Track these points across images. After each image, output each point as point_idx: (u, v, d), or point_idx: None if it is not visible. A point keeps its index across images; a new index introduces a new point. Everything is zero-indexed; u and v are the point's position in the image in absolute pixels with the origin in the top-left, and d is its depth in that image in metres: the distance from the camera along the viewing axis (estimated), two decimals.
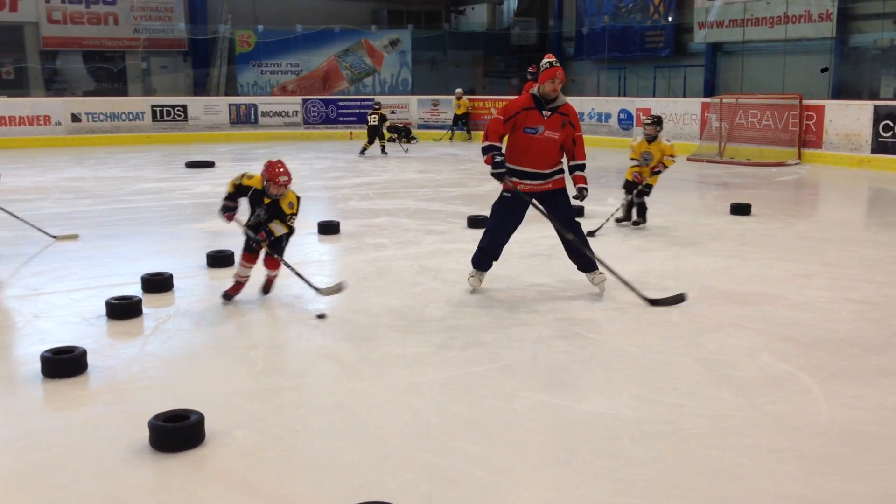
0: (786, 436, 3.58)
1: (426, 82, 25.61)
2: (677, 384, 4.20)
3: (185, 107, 21.16)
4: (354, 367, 4.56)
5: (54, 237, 7.79)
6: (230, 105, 21.74)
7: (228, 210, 5.44)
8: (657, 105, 18.88)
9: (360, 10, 28.00)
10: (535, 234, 7.55)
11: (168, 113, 20.83)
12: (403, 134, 19.18)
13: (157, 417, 3.47)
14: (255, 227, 5.52)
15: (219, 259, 6.84)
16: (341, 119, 22.55)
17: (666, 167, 8.42)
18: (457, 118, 21.00)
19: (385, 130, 17.05)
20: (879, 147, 14.28)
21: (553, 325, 5.22)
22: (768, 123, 16.03)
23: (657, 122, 8.49)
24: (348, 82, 25.51)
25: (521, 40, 27.61)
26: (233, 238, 7.91)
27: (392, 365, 4.52)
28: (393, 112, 21.03)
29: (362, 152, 16.82)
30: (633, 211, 8.59)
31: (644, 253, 7.41)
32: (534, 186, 5.81)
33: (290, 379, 4.40)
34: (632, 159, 8.52)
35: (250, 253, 5.59)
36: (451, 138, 20.95)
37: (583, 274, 5.98)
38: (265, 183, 5.35)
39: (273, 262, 5.70)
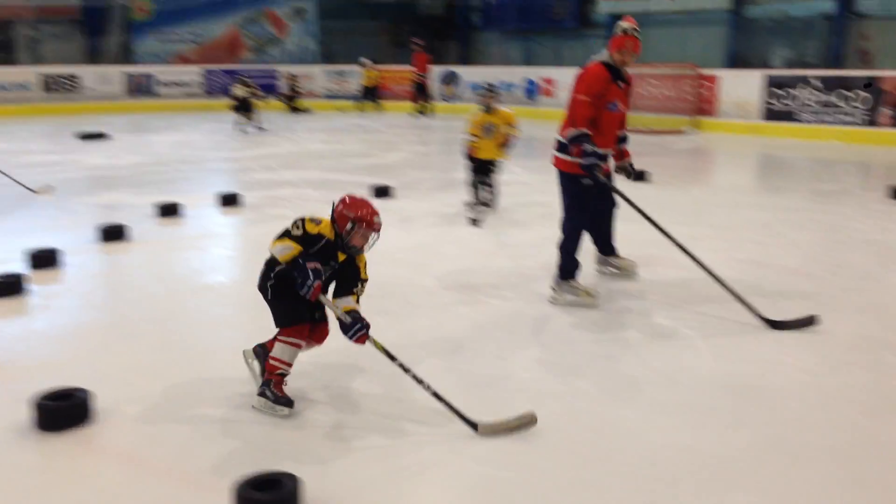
0: (673, 390, 3.72)
1: (333, 52, 25.24)
2: (576, 346, 4.31)
3: (77, 76, 20.30)
4: (252, 339, 4.49)
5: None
6: (126, 74, 20.96)
7: (318, 276, 3.38)
8: (562, 74, 19.11)
9: None
10: (440, 202, 7.56)
11: (59, 83, 19.95)
12: (287, 101, 18.90)
13: (41, 396, 3.36)
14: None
15: (111, 233, 6.62)
16: None
17: (515, 138, 7.73)
18: (366, 90, 20.79)
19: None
20: (769, 114, 14.83)
21: (455, 293, 5.25)
22: (666, 93, 16.43)
23: (492, 90, 7.80)
24: (251, 52, 24.92)
25: (429, 10, 27.43)
26: (126, 211, 7.70)
27: None
28: (295, 83, 20.69)
29: (245, 127, 15.89)
30: (481, 192, 7.79)
31: (547, 220, 7.51)
32: (607, 169, 5.20)
33: (183, 352, 4.31)
34: (471, 135, 7.69)
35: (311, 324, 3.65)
36: (362, 110, 20.74)
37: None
38: (347, 229, 3.48)
39: (324, 332, 3.77)
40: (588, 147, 4.72)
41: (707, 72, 16.08)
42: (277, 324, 3.58)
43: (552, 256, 5.21)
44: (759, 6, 18.97)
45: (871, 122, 13.45)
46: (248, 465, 2.93)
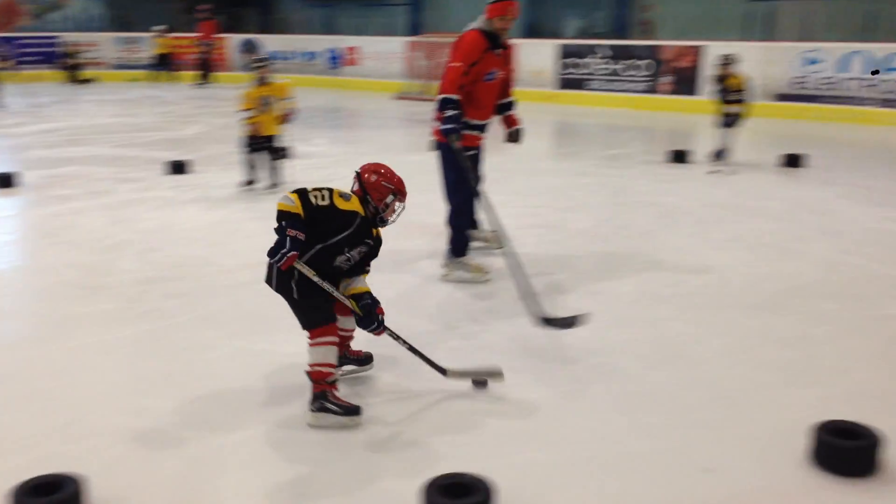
0: (474, 356, 3.84)
1: (123, 19, 23.73)
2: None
3: None
4: (35, 330, 4.21)
5: None
6: None
7: (296, 247, 3.04)
8: (366, 43, 19.06)
9: None
10: (240, 177, 7.36)
11: None
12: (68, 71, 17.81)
13: None
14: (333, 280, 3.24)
15: None
16: (23, 59, 20.32)
17: (294, 111, 7.33)
18: (160, 58, 19.75)
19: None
20: (563, 83, 15.54)
21: (256, 271, 5.14)
22: None
23: (263, 60, 7.44)
24: (31, 18, 22.96)
25: None
26: None
27: (78, 324, 4.23)
28: (76, 51, 19.34)
29: None
30: (273, 173, 7.39)
31: None
32: (477, 140, 4.95)
33: None
34: (246, 110, 7.22)
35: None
36: (156, 80, 19.70)
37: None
38: (387, 201, 3.26)
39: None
40: (450, 112, 4.54)
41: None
42: (307, 326, 3.19)
43: None
44: None
45: (653, 90, 14.41)
46: (28, 469, 2.75)
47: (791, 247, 5.62)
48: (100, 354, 3.86)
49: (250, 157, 7.36)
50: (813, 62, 12.50)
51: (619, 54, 14.95)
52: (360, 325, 3.23)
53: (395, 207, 3.24)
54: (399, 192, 3.23)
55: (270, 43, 20.03)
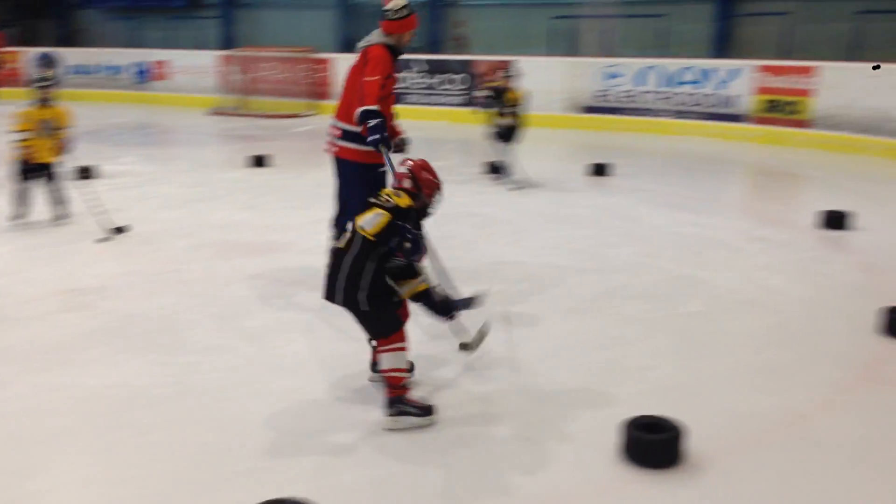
0: (292, 376, 3.78)
1: None
2: (194, 343, 4.18)
3: None
4: None
5: None
6: None
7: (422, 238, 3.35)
8: (175, 57, 18.37)
9: None
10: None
11: None
12: None
13: None
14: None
15: None
16: None
17: (70, 140, 6.48)
18: None
19: None
20: None
21: (55, 300, 4.83)
22: (285, 76, 16.56)
23: (47, 80, 6.52)
24: None
25: None
26: None
27: None
28: None
29: None
30: (57, 204, 6.57)
31: (166, 212, 7.20)
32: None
33: None
34: (20, 132, 6.35)
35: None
36: None
37: None
38: (436, 196, 3.51)
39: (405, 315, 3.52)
40: (374, 121, 4.43)
41: (322, 55, 16.49)
42: (378, 335, 3.28)
43: (174, 252, 5.00)
44: None
45: (469, 103, 14.80)
46: None
47: (601, 252, 5.93)
48: None
49: (21, 187, 6.45)
50: (614, 76, 13.28)
51: (434, 69, 15.25)
52: (438, 316, 3.58)
53: (438, 200, 3.52)
54: (441, 185, 3.51)
55: (71, 56, 18.90)
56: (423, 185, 3.43)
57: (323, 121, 14.80)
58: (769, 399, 3.57)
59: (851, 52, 13.28)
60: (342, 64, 16.04)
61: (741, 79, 11.96)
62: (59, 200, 6.56)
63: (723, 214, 7.22)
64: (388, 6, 4.66)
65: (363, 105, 4.51)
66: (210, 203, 7.59)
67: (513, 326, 4.24)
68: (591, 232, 6.50)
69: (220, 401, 3.52)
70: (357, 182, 4.80)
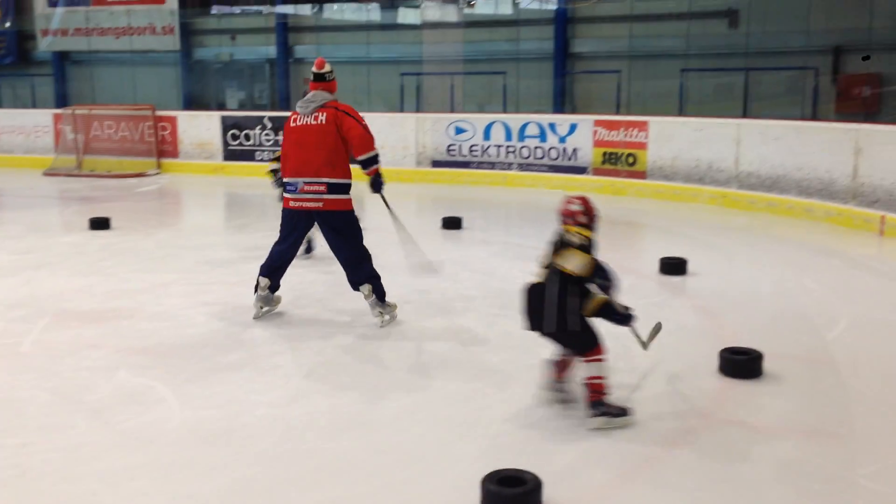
0: (142, 450, 3.58)
1: None
2: (26, 421, 3.89)
3: None
4: None
5: None
6: None
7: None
8: (4, 116, 17.39)
9: None
10: None
11: None
12: None
13: None
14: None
15: None
16: None
17: None
18: None
19: None
20: (229, 154, 15.37)
21: None
22: (126, 134, 15.98)
23: None
24: None
25: None
26: None
27: None
28: None
29: None
30: None
31: None
32: None
33: None
34: None
35: None
36: None
37: None
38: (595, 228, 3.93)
39: None
40: (378, 165, 5.38)
41: (165, 113, 16.05)
42: (582, 350, 3.80)
43: (4, 323, 4.64)
44: (208, 48, 19.59)
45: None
46: None
47: (456, 305, 5.99)
48: None
49: None
50: (461, 131, 13.62)
51: (283, 125, 15.16)
52: (619, 324, 3.96)
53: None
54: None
55: None
56: (594, 218, 3.87)
57: (168, 179, 14.46)
58: (619, 445, 3.67)
59: (678, 106, 14.27)
60: (185, 122, 15.73)
61: (581, 132, 12.54)
62: None
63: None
64: (325, 69, 5.33)
65: (368, 151, 5.27)
66: (46, 269, 7.15)
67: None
68: (445, 284, 6.56)
69: (58, 482, 3.28)
70: (351, 230, 5.37)
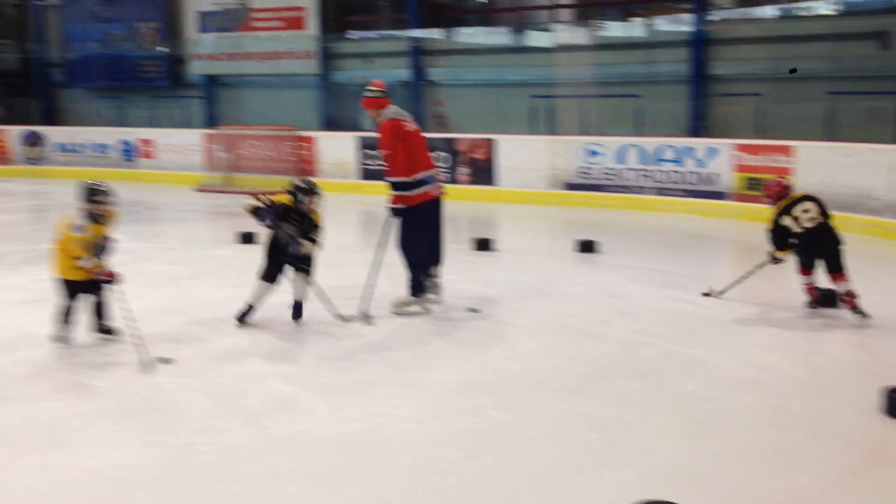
0: (293, 457, 3.74)
1: None
2: (188, 422, 4.14)
3: None
4: None
5: None
6: None
7: None
8: (160, 135, 18.56)
9: None
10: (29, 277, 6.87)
11: None
12: None
13: None
14: None
15: None
16: None
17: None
18: None
19: None
20: (366, 174, 15.84)
21: (51, 378, 4.77)
22: (269, 153, 16.73)
23: (102, 196, 5.37)
24: None
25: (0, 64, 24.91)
26: None
27: None
28: None
29: None
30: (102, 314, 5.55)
31: (154, 289, 7.17)
32: None
33: None
34: (77, 259, 5.20)
35: None
36: None
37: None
38: None
39: None
40: None
41: (305, 133, 16.71)
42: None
43: (165, 329, 4.97)
44: (345, 72, 20.25)
45: (453, 181, 15.00)
46: None
47: (592, 329, 5.95)
48: None
49: (70, 305, 5.43)
50: (594, 153, 13.53)
51: None
52: None
53: None
54: None
55: (56, 135, 19.04)
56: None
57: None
58: (775, 482, 3.56)
59: (823, 131, 13.68)
60: (324, 142, 16.33)
61: (720, 157, 12.23)
62: (103, 309, 5.56)
63: None
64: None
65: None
66: (198, 280, 7.57)
67: None
68: (581, 309, 6.53)
69: (218, 482, 3.47)
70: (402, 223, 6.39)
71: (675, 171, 12.68)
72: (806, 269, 6.30)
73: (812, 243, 6.16)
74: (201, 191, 15.93)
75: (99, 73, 22.64)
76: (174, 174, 17.70)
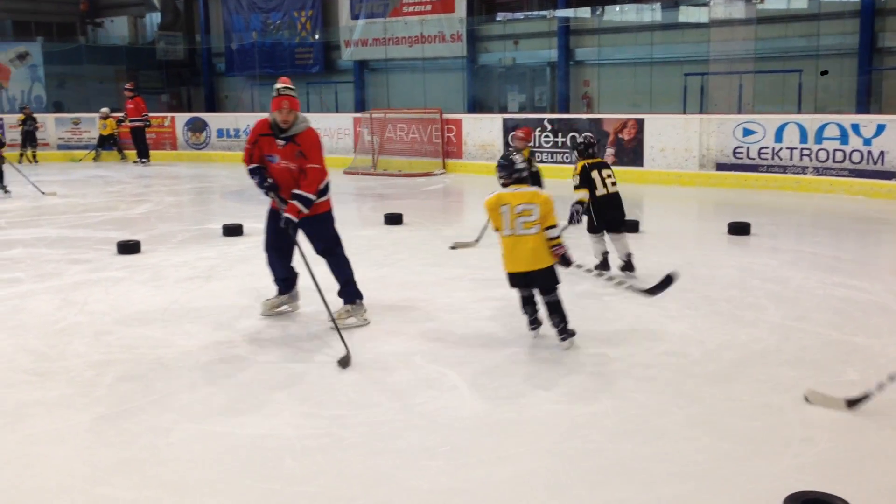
0: (437, 433, 3.81)
1: (65, 99, 23.69)
2: (338, 396, 4.28)
3: None
4: None
5: None
6: None
7: None
8: (314, 119, 19.20)
9: None
10: (193, 255, 7.29)
11: None
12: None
13: None
14: None
15: None
16: None
17: None
18: (102, 138, 19.65)
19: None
20: None
21: (211, 351, 5.06)
22: (415, 136, 17.01)
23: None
24: None
25: (168, 55, 26.56)
26: None
27: (29, 413, 4.09)
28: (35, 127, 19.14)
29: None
30: None
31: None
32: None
33: None
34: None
35: None
36: (95, 158, 19.58)
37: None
38: None
39: None
40: (257, 178, 5.51)
41: (450, 116, 16.87)
42: None
43: (319, 306, 5.14)
44: (492, 54, 20.27)
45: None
46: None
47: (745, 315, 5.71)
48: (53, 443, 3.73)
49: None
50: (749, 133, 12.95)
51: (562, 127, 15.30)
52: None
53: None
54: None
55: (215, 121, 20.10)
56: None
57: (453, 179, 15.17)
58: None
59: None
60: (469, 124, 16.43)
61: (890, 134, 11.41)
62: None
63: (877, 277, 6.81)
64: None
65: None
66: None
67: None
68: (732, 293, 6.28)
69: (366, 455, 3.58)
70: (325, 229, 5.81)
71: (839, 150, 11.93)
72: None
73: None
74: (350, 173, 16.40)
75: (257, 61, 23.70)
76: (325, 157, 18.31)
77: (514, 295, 6.12)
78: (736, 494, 3.20)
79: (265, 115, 5.49)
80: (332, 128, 18.40)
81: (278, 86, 5.30)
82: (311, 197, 5.41)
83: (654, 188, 13.26)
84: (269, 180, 5.42)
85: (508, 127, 15.81)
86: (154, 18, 27.65)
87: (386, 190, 13.87)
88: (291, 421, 3.96)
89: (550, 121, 15.45)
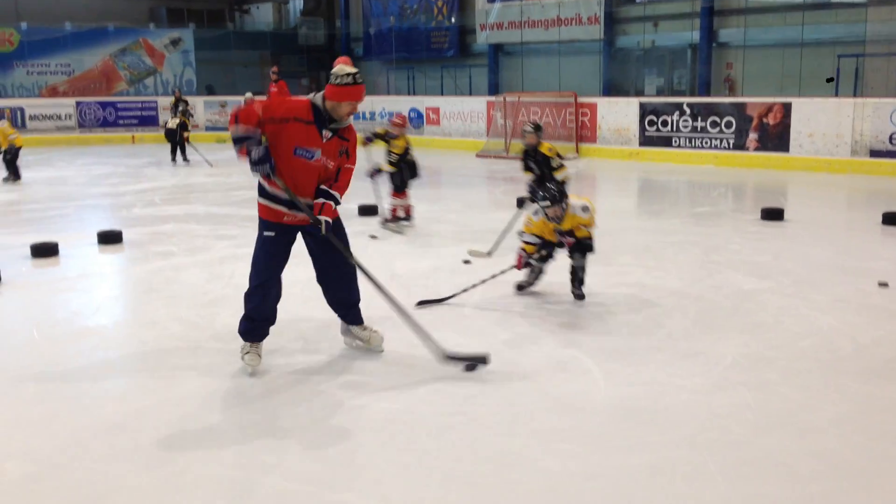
0: (570, 416, 3.77)
1: (213, 83, 24.85)
2: (471, 376, 4.31)
3: None
4: (144, 381, 4.32)
5: None
6: None
7: None
8: (446, 103, 19.37)
9: (137, 8, 26.60)
10: None
11: None
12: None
13: None
14: None
15: None
16: (121, 122, 21.44)
17: None
18: None
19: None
20: (646, 140, 15.46)
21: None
22: (548, 120, 16.87)
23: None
24: (127, 83, 24.16)
25: (310, 40, 27.39)
26: None
27: (184, 376, 4.33)
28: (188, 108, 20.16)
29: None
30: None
31: (434, 249, 7.56)
32: (297, 219, 4.47)
33: (65, 402, 4.07)
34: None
35: None
36: None
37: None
38: None
39: None
40: (255, 149, 4.36)
41: (585, 100, 16.62)
42: None
43: (450, 287, 5.17)
44: (629, 36, 19.80)
45: (740, 146, 14.20)
46: None
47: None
48: (205, 407, 3.93)
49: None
50: None
51: (702, 111, 14.81)
52: None
53: None
54: None
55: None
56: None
57: (586, 163, 14.97)
58: None
59: None
60: (604, 108, 16.14)
61: None
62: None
63: None
64: (334, 70, 4.29)
65: None
66: (480, 243, 7.82)
67: None
68: (890, 288, 5.92)
69: (498, 435, 3.59)
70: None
71: None
72: None
73: None
74: (482, 156, 16.45)
75: (394, 45, 24.07)
76: (457, 140, 18.46)
77: (648, 282, 6.00)
78: (891, 498, 3.02)
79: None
80: (466, 111, 18.50)
81: (351, 70, 4.26)
82: (340, 202, 4.44)
83: (801, 175, 12.66)
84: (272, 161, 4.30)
85: (646, 111, 15.45)
86: (297, 4, 28.58)
87: (517, 174, 13.75)
88: (426, 397, 4.02)
89: (690, 105, 14.97)
